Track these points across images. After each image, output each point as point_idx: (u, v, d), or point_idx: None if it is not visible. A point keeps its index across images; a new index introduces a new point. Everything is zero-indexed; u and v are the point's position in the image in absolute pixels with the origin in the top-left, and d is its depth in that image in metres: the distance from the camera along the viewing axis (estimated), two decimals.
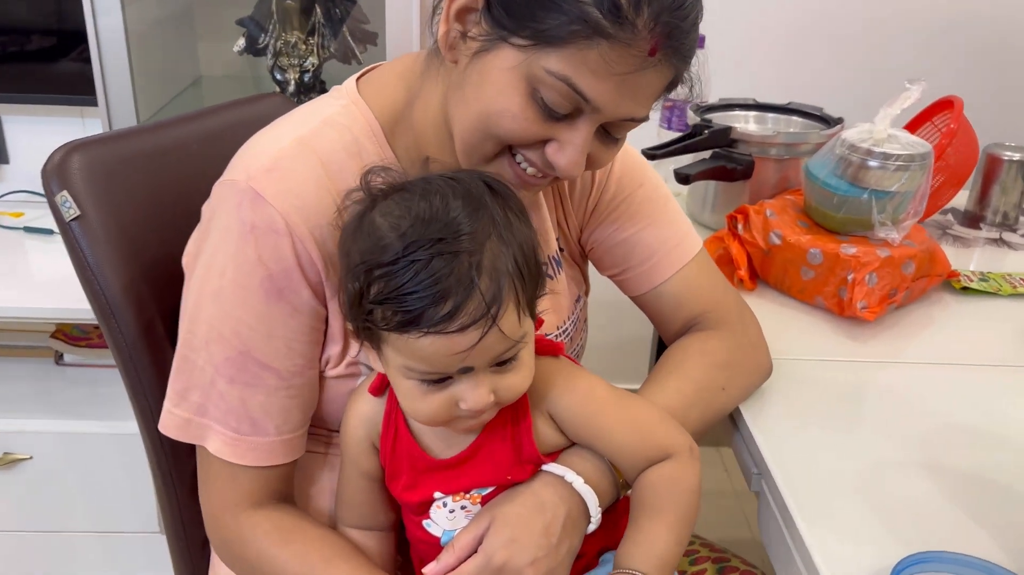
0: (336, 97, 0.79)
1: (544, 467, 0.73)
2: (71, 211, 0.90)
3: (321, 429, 0.83)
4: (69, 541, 1.67)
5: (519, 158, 0.73)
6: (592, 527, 0.73)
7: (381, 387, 0.75)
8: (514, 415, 0.72)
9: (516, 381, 0.68)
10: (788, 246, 1.12)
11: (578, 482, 0.72)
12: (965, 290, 1.19)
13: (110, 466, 1.60)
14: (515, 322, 0.65)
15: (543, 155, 0.72)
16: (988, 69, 1.83)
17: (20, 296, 1.51)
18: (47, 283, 1.55)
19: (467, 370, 0.65)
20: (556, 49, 0.65)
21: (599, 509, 0.73)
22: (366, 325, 0.65)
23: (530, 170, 0.74)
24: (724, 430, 0.94)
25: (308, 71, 1.55)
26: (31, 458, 1.58)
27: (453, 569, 0.70)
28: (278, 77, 1.55)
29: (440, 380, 0.65)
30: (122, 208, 0.94)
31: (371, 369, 0.77)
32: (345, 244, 0.67)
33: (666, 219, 0.91)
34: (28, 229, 1.74)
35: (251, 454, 0.76)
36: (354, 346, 0.77)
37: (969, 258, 1.32)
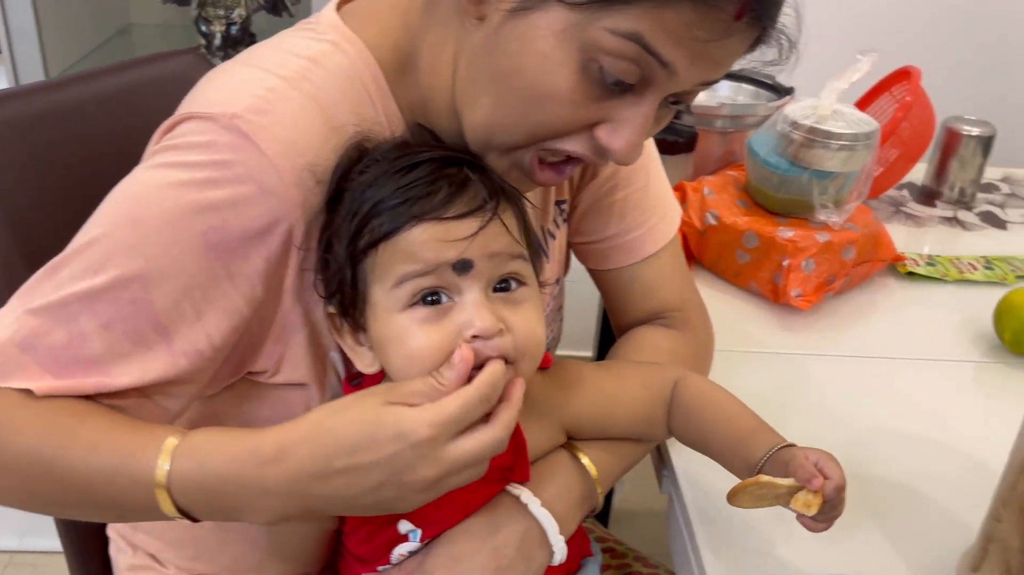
0: (318, 32, 0.62)
1: (507, 487, 0.65)
2: None
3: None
4: None
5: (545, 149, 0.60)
6: (557, 559, 0.65)
7: None
8: None
9: (530, 320, 0.58)
10: (724, 227, 1.06)
11: (534, 504, 0.64)
12: (911, 275, 1.13)
13: None
14: (516, 228, 0.59)
15: (590, 140, 0.59)
16: (947, 38, 1.75)
17: None
18: None
19: (466, 268, 0.56)
20: (622, 7, 0.52)
21: (560, 536, 0.64)
22: (353, 270, 0.57)
23: (551, 158, 0.61)
24: None
25: (235, 23, 1.44)
26: None
27: None
28: (203, 29, 1.45)
29: (436, 300, 0.56)
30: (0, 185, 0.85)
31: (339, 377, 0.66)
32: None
33: (655, 190, 0.82)
34: None
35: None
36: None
37: (921, 239, 1.26)
